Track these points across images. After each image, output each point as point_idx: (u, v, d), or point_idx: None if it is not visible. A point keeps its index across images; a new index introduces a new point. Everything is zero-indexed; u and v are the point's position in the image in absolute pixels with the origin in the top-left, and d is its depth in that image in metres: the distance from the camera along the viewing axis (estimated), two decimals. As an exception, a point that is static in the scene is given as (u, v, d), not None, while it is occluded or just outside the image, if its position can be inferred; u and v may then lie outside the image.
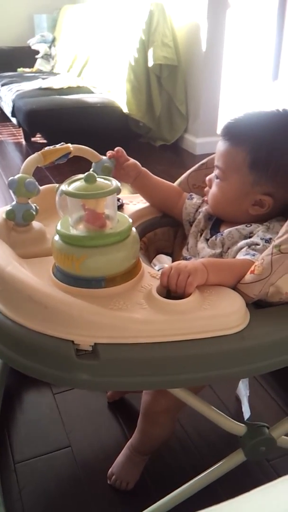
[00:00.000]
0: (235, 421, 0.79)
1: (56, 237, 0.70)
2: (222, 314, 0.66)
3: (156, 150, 3.31)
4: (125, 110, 3.15)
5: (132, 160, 0.97)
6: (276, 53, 4.64)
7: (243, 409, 1.07)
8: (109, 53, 3.42)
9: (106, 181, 0.69)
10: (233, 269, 0.73)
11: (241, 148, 0.83)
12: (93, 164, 0.98)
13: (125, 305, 0.66)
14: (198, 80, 3.08)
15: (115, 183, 0.68)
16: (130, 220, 0.71)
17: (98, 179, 0.68)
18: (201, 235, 0.93)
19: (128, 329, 0.63)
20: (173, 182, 1.05)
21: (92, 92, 3.44)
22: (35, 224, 0.84)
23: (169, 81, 3.16)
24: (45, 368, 0.65)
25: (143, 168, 0.99)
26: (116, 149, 0.98)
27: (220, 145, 0.88)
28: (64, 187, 0.68)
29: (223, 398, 1.13)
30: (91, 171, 0.90)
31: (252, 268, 0.71)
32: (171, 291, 0.69)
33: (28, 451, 1.02)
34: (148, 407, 0.86)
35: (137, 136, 3.40)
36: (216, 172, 0.89)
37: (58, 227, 0.69)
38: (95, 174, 0.67)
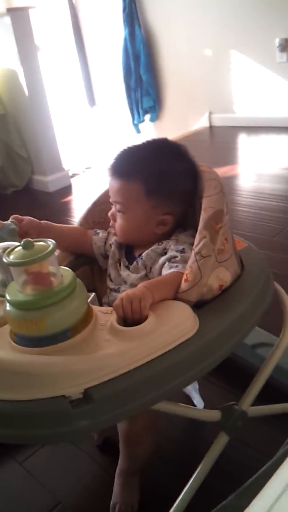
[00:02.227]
0: (209, 410, 0.90)
1: (9, 307, 0.72)
2: (179, 323, 0.76)
3: (9, 197, 3.30)
4: None
5: (26, 219, 0.98)
6: (86, 83, 4.97)
7: (195, 402, 1.18)
8: None
9: (41, 243, 0.73)
10: (169, 283, 0.83)
11: (134, 181, 0.94)
12: (-2, 230, 1.00)
13: (97, 346, 0.72)
14: (30, 123, 3.17)
15: (51, 242, 0.73)
16: (71, 270, 0.77)
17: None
18: (119, 265, 1.02)
19: (108, 366, 0.69)
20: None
21: None
22: None
23: (1, 131, 3.18)
24: (44, 430, 0.67)
25: (42, 222, 1.03)
26: (11, 217, 1.00)
27: (114, 183, 0.97)
28: (5, 259, 0.71)
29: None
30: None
31: (184, 277, 0.82)
32: (127, 319, 0.77)
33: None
34: (127, 431, 0.92)
35: (-15, 189, 3.35)
36: (117, 207, 0.98)
37: (9, 297, 0.72)
38: (31, 240, 0.72)
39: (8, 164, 3.28)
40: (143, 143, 1.00)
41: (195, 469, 0.93)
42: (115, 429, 0.97)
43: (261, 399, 0.97)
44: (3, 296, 0.86)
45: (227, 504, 0.86)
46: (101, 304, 0.99)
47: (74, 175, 3.75)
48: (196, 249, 0.83)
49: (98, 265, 1.09)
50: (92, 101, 5.16)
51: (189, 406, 0.88)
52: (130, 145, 1.01)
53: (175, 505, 0.90)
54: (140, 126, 4.65)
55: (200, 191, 0.93)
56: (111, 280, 1.02)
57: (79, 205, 3.11)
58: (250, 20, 3.69)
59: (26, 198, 3.23)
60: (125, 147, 1.01)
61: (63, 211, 2.93)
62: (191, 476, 0.93)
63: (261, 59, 3.77)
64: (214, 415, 0.90)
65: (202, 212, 0.87)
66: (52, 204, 3.07)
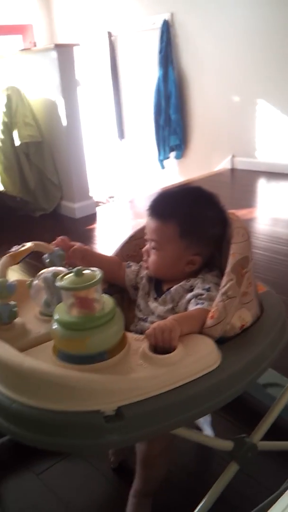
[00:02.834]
0: (223, 440, 0.97)
1: (56, 325, 0.82)
2: (203, 356, 0.84)
3: (37, 220, 3.44)
4: (1, 188, 3.25)
5: (76, 246, 1.11)
6: (118, 117, 5.20)
7: (206, 433, 1.24)
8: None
9: (91, 272, 0.83)
10: (195, 318, 0.92)
11: (170, 223, 1.04)
12: (46, 254, 1.10)
13: (130, 369, 0.80)
14: (64, 151, 3.34)
15: (99, 273, 0.83)
16: (112, 299, 0.86)
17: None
18: (149, 296, 1.11)
19: (141, 388, 0.77)
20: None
21: None
22: (16, 319, 0.93)
23: (37, 157, 3.35)
24: (78, 440, 0.75)
25: (86, 248, 1.14)
26: (58, 238, 1.12)
27: (151, 222, 1.07)
28: (59, 283, 0.81)
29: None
30: (47, 260, 1.05)
31: (211, 314, 0.91)
32: (157, 347, 0.85)
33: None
34: (146, 454, 0.99)
35: (15, 210, 3.50)
36: (152, 244, 1.08)
37: (57, 317, 0.82)
38: (81, 268, 0.82)
39: (40, 189, 3.44)
40: (180, 188, 1.11)
41: (202, 497, 1.00)
42: (130, 454, 1.04)
43: (267, 436, 1.04)
44: (46, 314, 0.97)
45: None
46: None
47: (97, 203, 3.89)
48: (223, 290, 0.92)
49: (128, 295, 1.18)
50: (121, 134, 5.38)
51: (205, 434, 0.95)
52: (167, 189, 1.12)
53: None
54: (165, 162, 4.82)
55: (228, 236, 1.03)
56: (139, 310, 1.11)
57: (102, 233, 3.23)
58: (278, 71, 3.88)
59: (53, 222, 3.37)
60: (164, 191, 1.12)
61: (87, 238, 3.06)
62: (197, 503, 1.00)
63: (285, 108, 3.93)
64: (227, 444, 0.97)
65: (230, 257, 0.96)
66: (77, 230, 3.20)
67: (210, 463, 1.23)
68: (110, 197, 4.73)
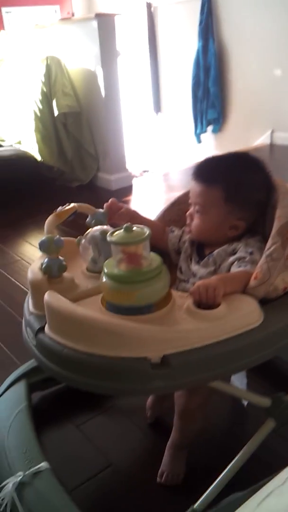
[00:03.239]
0: (260, 396, 1.00)
1: (105, 278, 0.86)
2: (246, 313, 0.87)
3: (74, 190, 3.49)
4: (38, 158, 3.30)
5: (125, 207, 1.15)
6: (155, 90, 5.15)
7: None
8: (13, 106, 3.55)
9: (140, 229, 0.86)
10: (239, 279, 0.94)
11: (215, 187, 1.05)
12: (89, 216, 1.14)
13: (175, 322, 0.84)
14: (102, 122, 3.35)
15: (147, 230, 0.86)
16: (159, 257, 0.89)
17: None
18: (190, 260, 1.13)
19: (185, 339, 0.81)
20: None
21: (1, 146, 3.53)
22: (65, 274, 0.98)
23: (75, 127, 3.38)
24: (125, 385, 0.80)
25: (133, 210, 1.18)
26: (110, 200, 1.15)
27: (196, 186, 1.09)
28: (109, 238, 0.84)
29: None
30: (92, 222, 1.08)
31: (254, 275, 0.93)
32: (201, 304, 0.88)
33: (76, 479, 1.13)
34: (184, 407, 1.04)
35: (52, 180, 3.56)
36: (196, 208, 1.09)
37: (106, 270, 0.85)
38: (131, 225, 0.85)
39: (77, 159, 3.47)
40: (226, 153, 1.12)
41: (236, 453, 1.04)
42: (166, 411, 1.08)
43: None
44: (93, 271, 1.02)
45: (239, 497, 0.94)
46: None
47: (132, 176, 3.91)
48: (267, 252, 0.94)
49: (169, 259, 1.21)
50: (158, 108, 5.33)
51: (243, 389, 0.98)
52: (214, 154, 1.13)
53: (214, 484, 1.01)
54: (202, 136, 4.77)
55: (274, 201, 1.04)
56: (181, 272, 1.14)
57: (138, 205, 3.26)
58: None
59: (89, 193, 3.41)
60: (210, 156, 1.13)
61: (123, 210, 3.09)
62: (231, 458, 1.04)
63: None
64: (265, 401, 1.00)
65: (276, 221, 0.98)
66: (113, 201, 3.23)
67: (244, 423, 1.27)
68: (145, 171, 4.73)
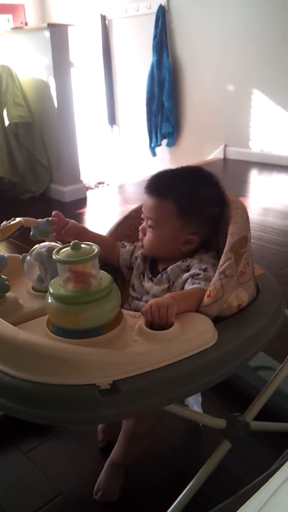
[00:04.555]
0: (215, 418, 0.97)
1: (50, 299, 0.80)
2: (200, 333, 0.84)
3: (24, 202, 3.39)
4: (-12, 169, 3.19)
5: (71, 223, 1.10)
6: (109, 103, 5.15)
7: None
8: None
9: (88, 246, 0.82)
10: (192, 297, 0.91)
11: (168, 201, 1.03)
12: (32, 229, 1.08)
13: (126, 344, 0.79)
14: (55, 133, 3.28)
15: (96, 248, 0.81)
16: (109, 275, 0.85)
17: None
18: (143, 276, 1.09)
19: (136, 363, 0.76)
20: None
21: None
22: (8, 294, 0.92)
23: (26, 137, 3.30)
24: (73, 414, 0.74)
25: (81, 226, 1.13)
26: (54, 213, 1.10)
27: (148, 200, 1.05)
28: (55, 256, 0.79)
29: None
30: (35, 233, 1.03)
31: (208, 293, 0.90)
32: (153, 324, 0.84)
33: (24, 511, 1.05)
34: (134, 429, 0.99)
35: (2, 191, 3.44)
36: (148, 222, 1.06)
37: (52, 291, 0.80)
38: (79, 242, 0.80)
39: (29, 171, 3.39)
40: (180, 168, 1.09)
41: (190, 476, 1.00)
42: (117, 433, 1.04)
43: (257, 419, 1.05)
44: (39, 290, 0.96)
45: (220, 508, 0.92)
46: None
47: (86, 188, 3.86)
48: (220, 269, 0.91)
49: (122, 275, 1.17)
50: (112, 120, 5.32)
51: (197, 411, 0.95)
52: (167, 168, 1.10)
53: (173, 506, 0.96)
54: (157, 149, 4.79)
55: (227, 217, 1.02)
56: (134, 290, 1.10)
57: (92, 218, 3.21)
58: (274, 61, 3.86)
59: (42, 205, 3.32)
60: (163, 170, 1.10)
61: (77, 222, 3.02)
62: (186, 481, 1.00)
63: (281, 99, 3.93)
64: (220, 422, 0.97)
65: (229, 237, 0.95)
66: (66, 214, 3.10)
67: (198, 444, 1.24)
68: (99, 183, 4.69)
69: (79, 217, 3.17)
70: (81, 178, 3.52)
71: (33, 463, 1.17)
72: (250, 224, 1.00)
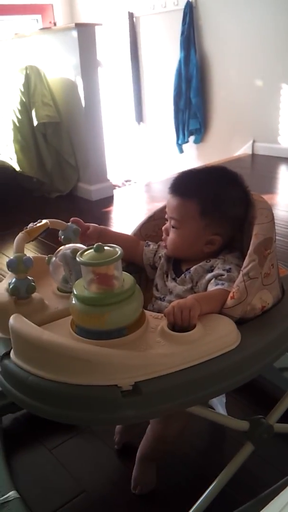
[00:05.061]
0: (239, 420, 0.96)
1: (74, 301, 0.81)
2: (223, 335, 0.83)
3: (52, 201, 3.44)
4: (17, 169, 3.25)
5: (92, 227, 1.10)
6: (137, 100, 5.15)
7: (220, 416, 1.24)
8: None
9: (111, 248, 0.82)
10: (216, 298, 0.91)
11: (191, 201, 1.02)
12: (60, 231, 1.09)
13: (148, 345, 0.80)
14: (82, 132, 3.31)
15: (119, 250, 0.81)
16: (132, 277, 0.85)
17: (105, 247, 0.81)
18: (167, 276, 1.10)
19: (158, 364, 0.77)
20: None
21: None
22: (34, 294, 0.93)
23: (54, 137, 3.33)
24: (95, 414, 0.75)
25: (102, 227, 1.13)
26: (72, 220, 1.10)
27: (172, 200, 1.05)
28: (79, 259, 0.80)
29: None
30: (62, 237, 1.04)
31: (231, 295, 0.89)
32: (176, 325, 0.84)
33: (48, 506, 1.07)
34: (161, 433, 0.99)
35: (30, 191, 3.50)
36: (172, 222, 1.06)
37: (76, 292, 0.81)
38: (102, 244, 0.81)
39: (57, 170, 3.43)
40: (203, 167, 1.09)
41: (213, 476, 1.00)
42: (135, 435, 1.05)
43: (281, 420, 1.03)
44: (64, 291, 0.97)
45: (242, 509, 0.92)
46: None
47: (114, 186, 3.88)
48: (244, 270, 0.90)
49: (146, 274, 1.17)
50: (140, 118, 5.32)
51: (220, 413, 0.94)
52: (191, 168, 1.10)
53: (195, 506, 0.96)
54: (184, 146, 4.77)
55: (251, 218, 1.01)
56: (157, 290, 1.10)
57: (119, 216, 3.22)
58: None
59: (69, 204, 3.36)
60: (187, 169, 1.10)
61: (103, 220, 3.04)
62: (208, 483, 0.99)
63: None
64: (243, 424, 0.96)
65: (253, 238, 0.94)
66: (93, 212, 3.19)
67: (222, 445, 1.23)
68: (127, 181, 4.71)
69: (106, 216, 3.20)
70: (108, 176, 3.54)
71: (58, 460, 1.19)
72: (279, 221, 0.98)
